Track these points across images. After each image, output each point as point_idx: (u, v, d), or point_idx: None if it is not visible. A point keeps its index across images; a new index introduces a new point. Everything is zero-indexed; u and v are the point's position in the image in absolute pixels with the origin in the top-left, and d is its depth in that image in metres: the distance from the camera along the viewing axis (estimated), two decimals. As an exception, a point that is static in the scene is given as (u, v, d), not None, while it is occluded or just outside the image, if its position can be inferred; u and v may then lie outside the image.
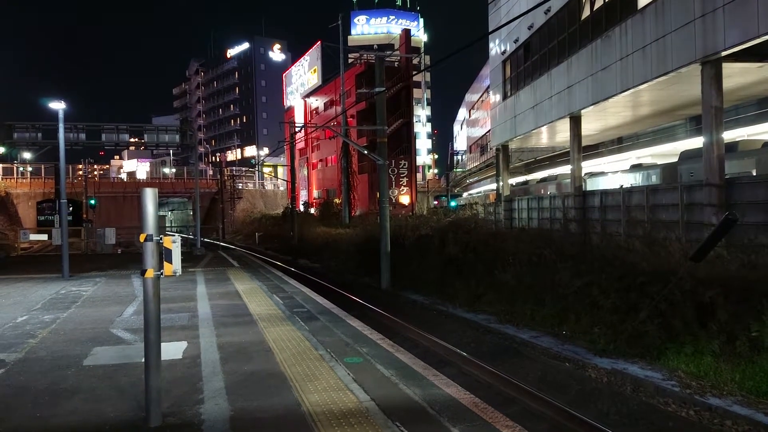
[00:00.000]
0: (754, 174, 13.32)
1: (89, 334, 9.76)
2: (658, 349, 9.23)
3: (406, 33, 50.10)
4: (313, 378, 7.01)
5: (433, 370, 8.00)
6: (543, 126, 22.02)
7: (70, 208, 36.57)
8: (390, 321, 14.08)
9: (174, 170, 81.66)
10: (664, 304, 9.42)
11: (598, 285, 11.29)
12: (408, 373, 7.64)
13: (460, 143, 71.18)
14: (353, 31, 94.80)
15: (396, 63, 48.87)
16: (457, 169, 67.97)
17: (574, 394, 8.44)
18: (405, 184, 48.97)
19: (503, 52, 26.07)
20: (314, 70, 64.32)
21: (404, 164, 48.70)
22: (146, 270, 5.25)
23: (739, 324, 8.51)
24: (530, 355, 10.43)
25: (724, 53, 11.92)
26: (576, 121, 19.29)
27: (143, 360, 5.41)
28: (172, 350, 8.33)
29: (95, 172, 73.37)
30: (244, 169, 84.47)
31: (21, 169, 60.40)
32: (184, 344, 8.88)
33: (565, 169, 25.70)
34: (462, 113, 68.19)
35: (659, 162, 20.40)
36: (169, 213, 75.37)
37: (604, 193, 17.51)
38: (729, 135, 16.44)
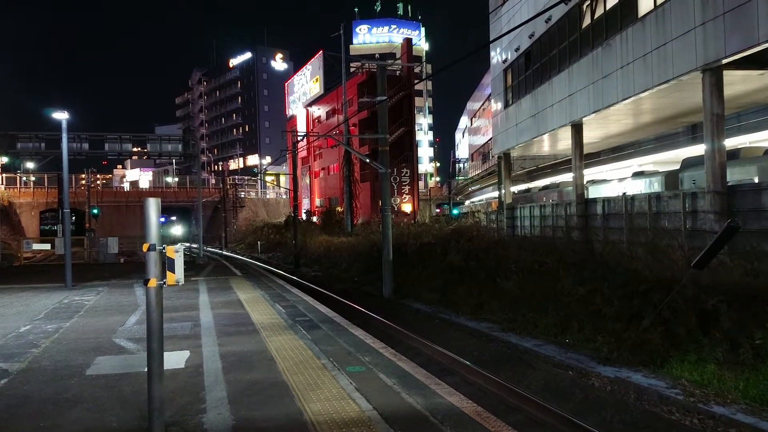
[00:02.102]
0: (756, 181, 13.32)
1: (92, 343, 9.77)
2: (662, 357, 9.20)
3: (408, 42, 50.34)
4: (316, 387, 7.00)
5: (435, 379, 7.98)
6: (545, 134, 22.06)
7: (73, 218, 36.73)
8: (392, 329, 14.06)
9: (177, 179, 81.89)
10: (667, 312, 9.41)
11: (600, 293, 11.28)
12: (410, 381, 7.62)
13: (462, 151, 71.32)
14: (355, 41, 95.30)
15: (398, 72, 49.09)
16: (459, 177, 68.04)
17: (578, 403, 8.41)
18: (407, 192, 49.04)
19: (504, 61, 26.16)
20: (316, 80, 64.57)
21: (406, 172, 48.78)
22: (149, 279, 5.26)
23: (743, 332, 8.49)
24: (533, 364, 10.40)
25: (724, 61, 11.95)
26: (577, 129, 19.33)
27: (146, 369, 5.41)
28: (174, 359, 8.33)
29: (98, 182, 73.60)
30: (246, 177, 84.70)
31: (24, 178, 60.68)
32: (186, 353, 8.88)
33: (567, 177, 25.72)
34: (464, 121, 68.36)
35: (661, 169, 20.41)
36: (173, 224, 72.00)
37: (607, 200, 17.51)
38: (731, 142, 16.46)
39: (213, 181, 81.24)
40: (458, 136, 76.02)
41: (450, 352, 11.36)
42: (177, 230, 65.79)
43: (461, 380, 9.76)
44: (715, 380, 8.17)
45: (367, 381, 7.41)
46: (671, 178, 17.04)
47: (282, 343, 9.61)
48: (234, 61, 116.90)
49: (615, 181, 21.50)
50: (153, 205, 5.25)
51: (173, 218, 68.80)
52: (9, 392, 7.00)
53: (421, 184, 72.55)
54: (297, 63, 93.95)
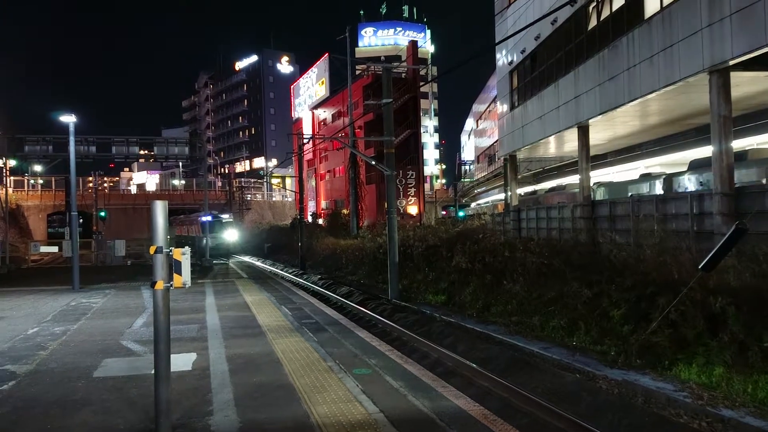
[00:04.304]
0: (765, 183, 13.24)
1: (99, 345, 9.81)
2: (670, 360, 9.15)
3: (413, 44, 50.31)
4: (322, 389, 7.00)
5: (441, 382, 7.97)
6: (551, 136, 22.01)
7: (80, 221, 36.89)
8: (398, 332, 14.05)
9: (183, 182, 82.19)
10: (675, 315, 9.36)
11: (607, 295, 11.25)
12: (417, 384, 7.62)
13: (467, 153, 71.26)
14: (361, 43, 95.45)
15: (403, 74, 49.09)
16: (465, 179, 67.96)
17: (585, 406, 8.38)
18: (413, 194, 49.00)
19: (510, 63, 26.14)
20: (322, 82, 64.69)
21: (412, 174, 48.75)
22: (156, 282, 5.28)
23: (751, 334, 8.43)
24: (540, 367, 10.36)
25: (731, 62, 11.90)
26: (584, 131, 19.27)
27: (153, 372, 5.43)
28: (181, 362, 8.36)
29: (105, 184, 74.02)
30: (252, 180, 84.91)
31: (32, 181, 61.05)
32: (193, 356, 8.90)
33: (574, 179, 25.64)
34: (469, 123, 68.30)
35: (668, 171, 20.32)
36: (226, 227, 47.64)
37: (613, 202, 17.44)
38: (739, 144, 16.36)
39: (219, 184, 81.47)
40: (464, 138, 75.96)
41: (456, 354, 11.34)
42: (231, 234, 47.41)
43: (468, 383, 9.74)
44: (723, 383, 8.11)
45: (374, 383, 7.41)
46: (678, 180, 16.97)
47: (288, 345, 9.62)
48: (240, 64, 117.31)
49: (622, 183, 21.39)
50: (160, 208, 5.27)
51: (225, 216, 49.56)
52: (17, 394, 7.03)
53: (427, 186, 72.57)
54: (303, 66, 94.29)
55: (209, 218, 46.08)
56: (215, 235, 44.81)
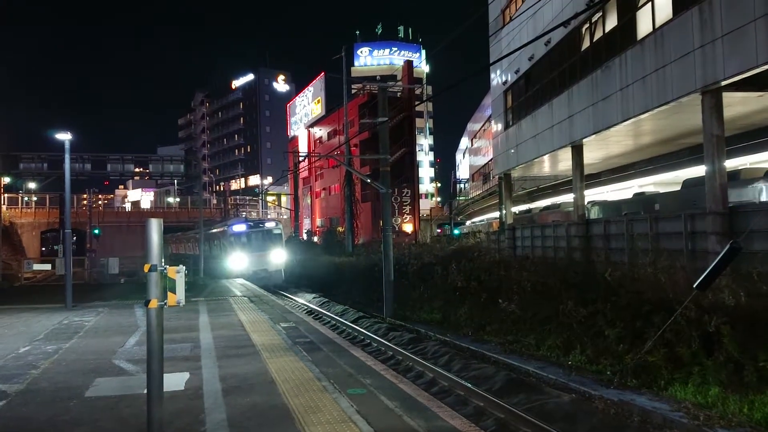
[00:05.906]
0: (758, 202, 13.32)
1: (91, 364, 9.70)
2: (665, 380, 9.13)
3: (409, 64, 50.79)
4: (316, 410, 6.94)
5: (437, 402, 7.91)
6: (545, 155, 22.15)
7: (74, 238, 36.73)
8: (393, 351, 13.97)
9: (178, 200, 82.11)
10: (670, 334, 9.36)
11: (603, 314, 11.25)
12: (412, 404, 7.56)
13: (462, 172, 71.55)
14: (356, 63, 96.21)
15: (398, 93, 49.45)
16: (460, 197, 68.14)
17: (581, 426, 8.32)
18: (408, 212, 49.10)
19: (504, 83, 26.37)
20: (318, 101, 65.08)
21: (407, 192, 48.90)
22: (150, 300, 5.25)
23: (746, 354, 8.43)
24: (536, 386, 10.31)
25: (723, 83, 12.04)
26: (578, 150, 19.40)
27: (145, 391, 5.37)
28: (174, 381, 8.27)
29: (99, 202, 73.90)
30: (247, 198, 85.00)
31: (26, 198, 60.89)
32: (186, 375, 8.81)
33: (568, 198, 25.75)
34: (464, 142, 68.68)
35: (662, 190, 20.43)
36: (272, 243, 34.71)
37: (608, 221, 17.51)
38: (731, 163, 16.49)
39: (214, 202, 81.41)
40: (459, 156, 76.34)
41: (451, 374, 11.28)
42: (278, 255, 33.65)
43: (463, 403, 9.67)
44: (719, 403, 8.09)
45: (369, 404, 7.34)
46: (671, 199, 17.05)
47: (282, 365, 9.54)
48: (236, 83, 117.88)
49: (616, 202, 21.47)
50: (155, 226, 5.25)
51: (271, 225, 35.09)
52: (7, 414, 6.94)
53: (423, 203, 72.65)
54: (299, 84, 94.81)
55: (243, 227, 33.04)
56: (259, 253, 32.47)
